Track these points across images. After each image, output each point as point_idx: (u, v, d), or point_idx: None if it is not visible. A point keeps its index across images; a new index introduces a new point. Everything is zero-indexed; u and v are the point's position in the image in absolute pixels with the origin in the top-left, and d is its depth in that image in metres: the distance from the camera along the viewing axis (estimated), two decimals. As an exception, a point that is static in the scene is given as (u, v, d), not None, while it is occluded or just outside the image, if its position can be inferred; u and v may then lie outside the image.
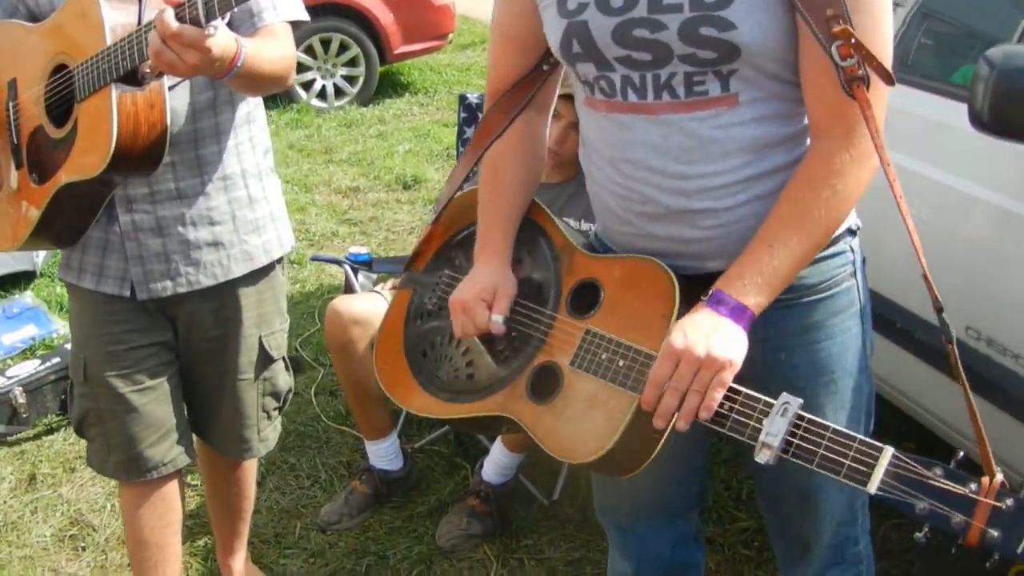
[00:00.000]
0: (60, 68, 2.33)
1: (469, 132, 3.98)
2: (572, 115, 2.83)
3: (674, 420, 1.69)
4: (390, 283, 3.86)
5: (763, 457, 1.60)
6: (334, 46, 9.28)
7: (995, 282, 2.55)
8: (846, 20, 1.62)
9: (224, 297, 2.61)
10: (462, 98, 4.00)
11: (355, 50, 9.35)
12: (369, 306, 3.52)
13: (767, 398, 1.64)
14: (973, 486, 1.46)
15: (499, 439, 3.54)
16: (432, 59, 10.94)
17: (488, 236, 2.07)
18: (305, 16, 2.49)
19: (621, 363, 1.79)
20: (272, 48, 2.32)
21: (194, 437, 2.79)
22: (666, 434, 1.75)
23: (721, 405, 1.66)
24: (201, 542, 3.47)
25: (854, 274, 1.97)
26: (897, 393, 3.02)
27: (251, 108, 2.59)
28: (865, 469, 1.53)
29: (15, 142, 2.45)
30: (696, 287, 1.78)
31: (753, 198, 1.82)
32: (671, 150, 1.81)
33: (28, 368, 4.28)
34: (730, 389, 1.66)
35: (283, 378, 2.81)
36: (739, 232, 1.82)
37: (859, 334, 2.00)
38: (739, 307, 1.71)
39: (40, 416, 4.23)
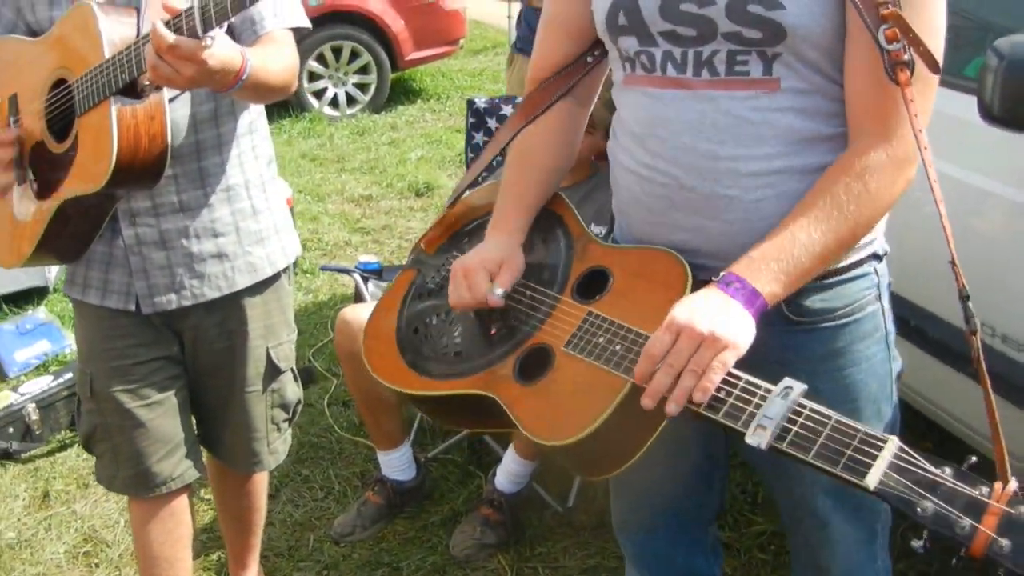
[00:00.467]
0: (60, 82, 2.31)
1: (478, 137, 3.96)
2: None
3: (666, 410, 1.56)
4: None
5: (755, 439, 1.46)
6: (345, 54, 9.31)
7: (1009, 278, 2.51)
8: (896, 5, 1.57)
9: (229, 309, 2.59)
10: (470, 103, 3.98)
11: (366, 57, 9.38)
12: (380, 315, 3.49)
13: (769, 384, 1.52)
14: (984, 489, 1.32)
15: (511, 447, 3.52)
16: (444, 65, 10.97)
17: (504, 213, 2.02)
18: (306, 22, 2.47)
19: (618, 347, 1.68)
20: (276, 57, 2.31)
21: (204, 451, 2.77)
22: (659, 429, 1.65)
23: (718, 390, 1.53)
24: (214, 556, 3.45)
25: (879, 298, 1.90)
26: (913, 393, 2.99)
27: (253, 118, 2.57)
28: (866, 460, 1.39)
29: (17, 158, 2.44)
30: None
31: (781, 195, 1.75)
32: (704, 128, 1.75)
33: (41, 384, 4.28)
34: (730, 374, 1.54)
35: (292, 389, 2.79)
36: (762, 229, 1.70)
37: (884, 360, 1.93)
38: (752, 292, 1.60)
39: (53, 432, 4.23)
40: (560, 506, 3.59)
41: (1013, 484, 1.33)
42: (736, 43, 1.69)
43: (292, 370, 2.78)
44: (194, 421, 2.71)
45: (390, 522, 3.59)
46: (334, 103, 9.43)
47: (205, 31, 1.96)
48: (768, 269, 1.62)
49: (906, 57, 1.58)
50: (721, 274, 1.64)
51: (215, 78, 2.08)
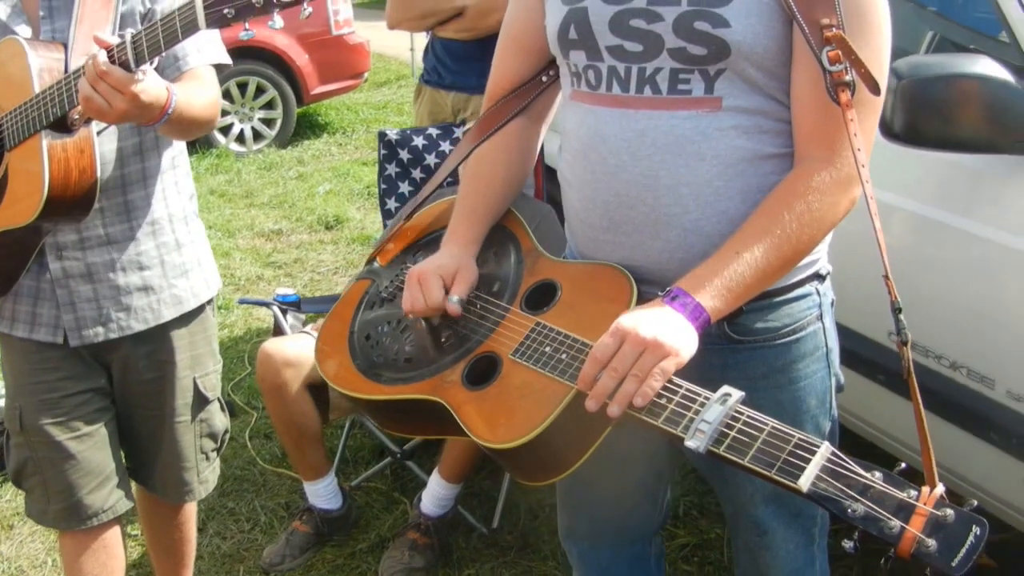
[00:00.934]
0: None
1: (390, 168, 3.99)
2: None
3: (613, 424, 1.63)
4: (320, 322, 3.85)
5: (694, 442, 1.50)
6: (251, 89, 9.29)
7: (914, 287, 2.62)
8: (840, 28, 1.63)
9: (157, 341, 2.60)
10: (382, 135, 4.01)
11: (272, 92, 9.37)
12: (300, 347, 3.51)
13: (709, 392, 1.57)
14: (912, 492, 1.37)
15: (436, 471, 3.56)
16: (348, 99, 11.03)
17: (459, 226, 2.06)
18: (228, 59, 2.51)
19: (564, 355, 1.73)
20: (200, 92, 2.35)
21: (133, 484, 2.77)
22: (602, 436, 1.70)
23: (659, 396, 1.57)
24: (143, 591, 3.43)
25: (820, 317, 1.95)
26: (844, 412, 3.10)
27: (175, 153, 2.61)
28: (800, 464, 1.43)
29: None
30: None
31: (721, 214, 1.79)
32: (644, 146, 1.79)
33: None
34: (671, 382, 1.59)
35: (219, 419, 2.81)
36: (702, 248, 1.78)
37: (824, 376, 1.98)
38: (696, 306, 1.65)
39: (-26, 473, 4.16)
40: (485, 528, 3.64)
41: (940, 488, 1.38)
42: (680, 60, 1.74)
43: (219, 399, 2.81)
44: (123, 454, 2.71)
45: (319, 551, 3.60)
46: (240, 139, 9.41)
47: (137, 65, 2.00)
48: (712, 285, 1.67)
49: (848, 78, 1.63)
50: (667, 289, 1.69)
51: (144, 112, 2.12)
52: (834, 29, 1.63)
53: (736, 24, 1.69)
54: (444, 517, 3.58)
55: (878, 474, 1.40)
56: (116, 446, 2.65)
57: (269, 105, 9.47)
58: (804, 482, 1.41)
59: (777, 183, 1.76)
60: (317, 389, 3.48)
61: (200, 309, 2.69)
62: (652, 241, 1.84)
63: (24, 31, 2.33)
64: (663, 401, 1.58)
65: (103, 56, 2.01)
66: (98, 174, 2.25)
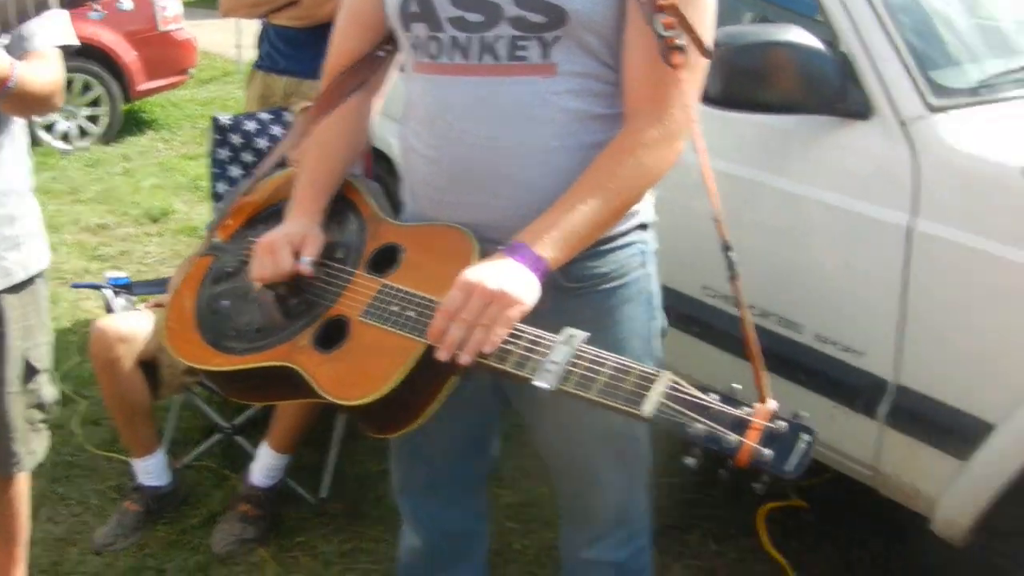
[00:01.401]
0: None
1: (223, 153, 4.08)
2: None
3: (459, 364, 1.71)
4: (152, 301, 3.89)
5: (543, 381, 1.61)
6: (76, 87, 9.13)
7: (746, 250, 2.78)
8: None
9: (-12, 311, 2.62)
10: (215, 120, 4.10)
11: (98, 90, 9.23)
12: (133, 323, 3.55)
13: (553, 335, 1.68)
14: (748, 409, 1.49)
15: (264, 442, 3.63)
16: (173, 95, 10.94)
17: (302, 197, 2.12)
18: (75, 40, 2.55)
19: (411, 313, 1.81)
20: (44, 70, 2.40)
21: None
22: (452, 386, 1.81)
23: (506, 342, 1.69)
24: (-27, 575, 3.41)
25: (644, 264, 2.10)
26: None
27: (16, 128, 2.62)
28: (642, 392, 1.54)
29: None
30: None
31: (556, 171, 1.90)
32: (486, 112, 1.90)
33: None
34: (517, 328, 1.70)
35: (48, 390, 2.84)
36: (539, 203, 1.87)
37: (647, 321, 2.13)
38: (536, 258, 1.77)
39: None
40: (313, 498, 3.74)
41: (772, 403, 1.52)
42: (519, 28, 1.85)
43: (48, 371, 2.84)
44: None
45: (151, 528, 3.63)
46: (65, 137, 9.24)
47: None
48: (550, 237, 1.80)
49: (679, 43, 1.77)
50: (508, 243, 1.81)
51: None
52: None
53: None
54: (273, 488, 3.64)
55: (715, 396, 1.52)
56: (-57, 419, 2.65)
57: (94, 103, 9.33)
58: (648, 408, 1.53)
59: (607, 141, 1.90)
60: (148, 366, 3.52)
61: (30, 281, 2.71)
62: (494, 200, 1.96)
63: None
64: (510, 347, 1.69)
65: None
66: None
